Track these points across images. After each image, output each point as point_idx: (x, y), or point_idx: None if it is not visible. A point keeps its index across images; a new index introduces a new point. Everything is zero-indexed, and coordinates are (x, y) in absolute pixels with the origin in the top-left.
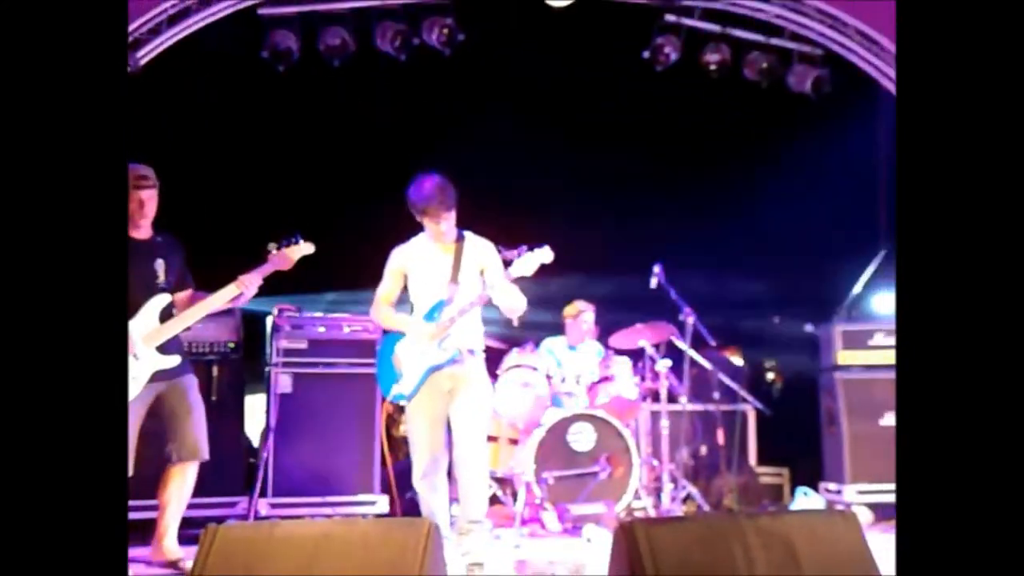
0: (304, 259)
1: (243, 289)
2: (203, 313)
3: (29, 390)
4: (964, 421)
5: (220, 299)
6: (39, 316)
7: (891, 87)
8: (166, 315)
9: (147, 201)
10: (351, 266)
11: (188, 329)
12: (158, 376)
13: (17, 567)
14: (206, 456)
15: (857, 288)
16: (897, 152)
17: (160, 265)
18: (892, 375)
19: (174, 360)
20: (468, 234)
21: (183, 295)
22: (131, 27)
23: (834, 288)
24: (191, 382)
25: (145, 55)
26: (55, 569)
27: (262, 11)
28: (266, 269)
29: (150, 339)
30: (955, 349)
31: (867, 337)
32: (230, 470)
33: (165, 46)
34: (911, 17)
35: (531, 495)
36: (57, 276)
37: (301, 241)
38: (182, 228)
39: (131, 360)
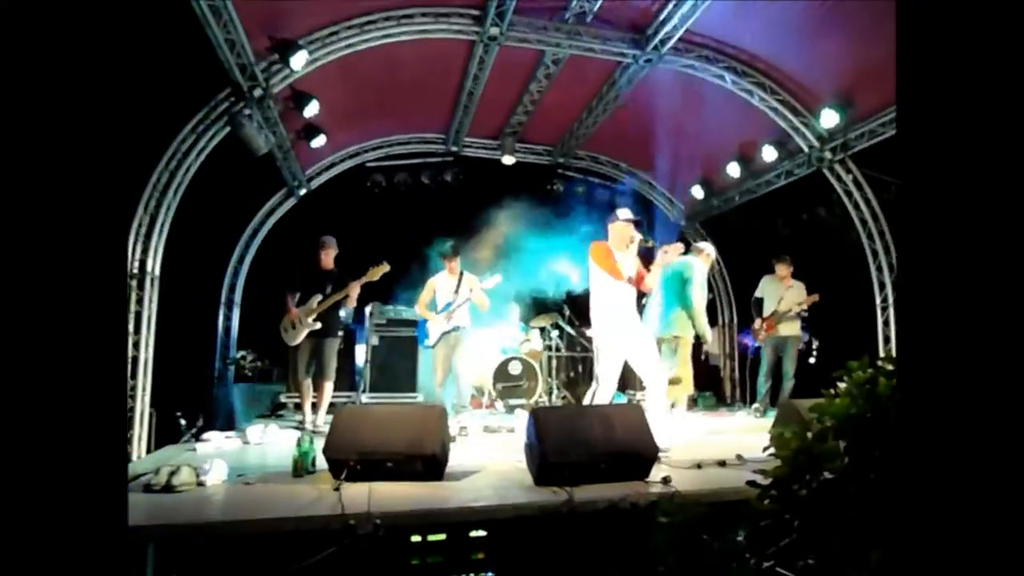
0: (385, 281)
1: (351, 292)
2: (332, 301)
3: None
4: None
5: (340, 295)
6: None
7: (655, 201)
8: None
9: (331, 254)
10: (407, 287)
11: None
12: (313, 335)
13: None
14: (333, 377)
15: None
16: (899, 158)
17: (327, 281)
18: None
19: (318, 325)
20: (465, 271)
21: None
22: (308, 170)
23: None
24: (333, 340)
25: (315, 181)
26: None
27: (368, 164)
28: (362, 280)
29: (308, 314)
30: (953, 348)
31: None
32: (349, 380)
33: (323, 180)
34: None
35: (491, 395)
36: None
37: (383, 263)
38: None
39: (298, 325)
